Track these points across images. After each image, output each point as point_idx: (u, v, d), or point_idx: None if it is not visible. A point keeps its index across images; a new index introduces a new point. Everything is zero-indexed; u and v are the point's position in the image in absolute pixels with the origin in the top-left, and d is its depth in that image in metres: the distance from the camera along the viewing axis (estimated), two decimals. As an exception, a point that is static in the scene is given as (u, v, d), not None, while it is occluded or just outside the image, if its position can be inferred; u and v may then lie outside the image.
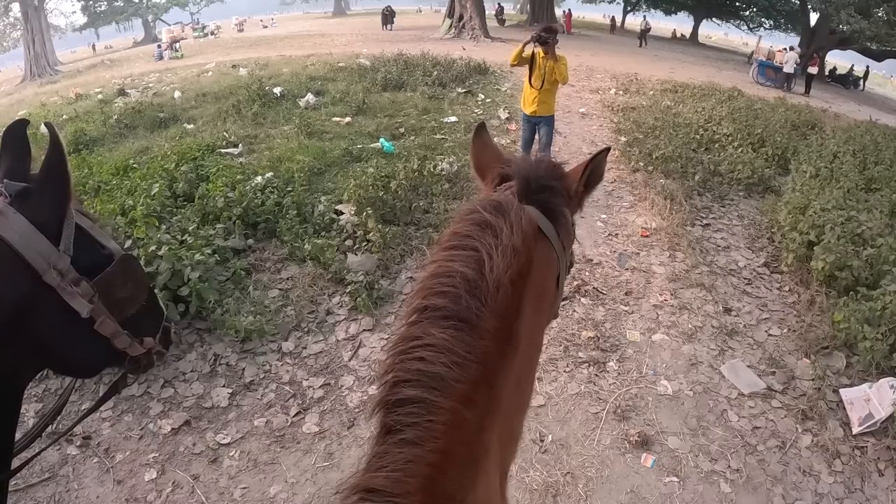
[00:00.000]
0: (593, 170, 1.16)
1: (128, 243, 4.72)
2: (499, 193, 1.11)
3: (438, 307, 0.87)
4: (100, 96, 17.03)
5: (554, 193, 1.10)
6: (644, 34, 34.48)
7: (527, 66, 6.84)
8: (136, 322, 1.31)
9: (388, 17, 37.03)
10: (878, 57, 34.31)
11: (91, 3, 53.18)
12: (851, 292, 5.02)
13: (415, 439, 0.77)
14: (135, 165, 7.51)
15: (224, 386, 4.08)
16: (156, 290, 4.22)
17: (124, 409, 3.86)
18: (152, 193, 5.98)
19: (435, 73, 15.07)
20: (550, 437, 3.74)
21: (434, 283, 0.90)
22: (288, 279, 5.27)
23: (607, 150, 1.18)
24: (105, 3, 54.00)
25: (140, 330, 1.34)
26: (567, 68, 6.74)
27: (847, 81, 32.82)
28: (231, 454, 3.57)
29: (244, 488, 3.35)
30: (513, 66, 7.00)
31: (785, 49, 25.76)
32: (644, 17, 41.34)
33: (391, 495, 0.72)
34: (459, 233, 0.95)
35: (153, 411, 3.85)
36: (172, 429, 3.71)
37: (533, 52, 6.71)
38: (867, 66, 35.25)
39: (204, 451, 3.59)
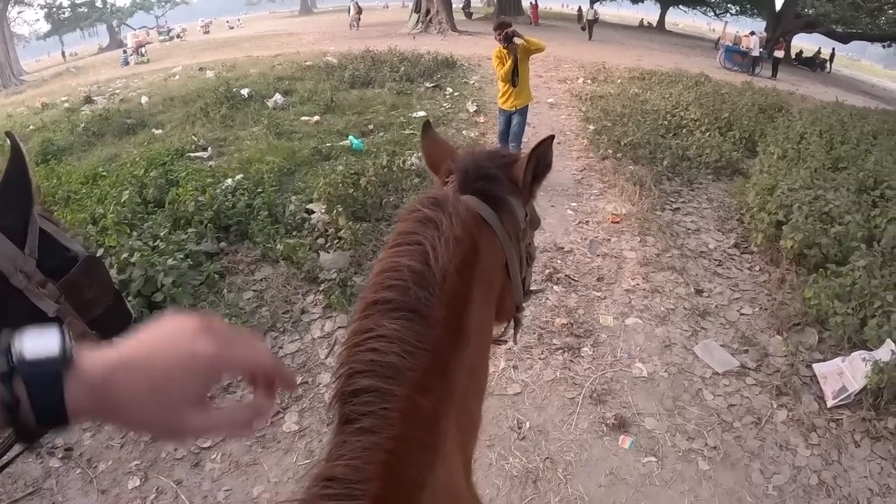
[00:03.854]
0: (539, 159, 1.15)
1: (100, 252, 4.67)
2: (438, 189, 1.13)
3: (388, 300, 0.88)
4: (66, 105, 16.80)
5: (494, 181, 1.10)
6: (591, 25, 31.07)
7: (499, 66, 7.08)
8: (105, 324, 1.34)
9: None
10: (844, 39, 34.87)
11: (55, 10, 52.34)
12: (821, 269, 5.11)
13: (371, 427, 0.78)
14: (104, 173, 7.42)
15: (203, 389, 4.06)
16: (129, 298, 4.20)
17: (105, 419, 3.83)
18: (122, 200, 5.91)
19: (402, 68, 15.09)
20: (528, 423, 3.77)
21: (382, 278, 0.91)
22: (262, 280, 5.25)
23: (551, 137, 1.16)
24: (69, 9, 53.18)
25: (109, 332, 1.35)
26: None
27: (814, 64, 33.22)
28: (212, 457, 3.56)
29: (227, 490, 3.34)
30: (504, 79, 7.14)
31: (750, 33, 26.05)
32: (592, 5, 40.01)
33: (351, 482, 0.73)
34: (403, 231, 0.97)
35: (133, 419, 3.82)
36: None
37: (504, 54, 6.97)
38: (833, 49, 35.69)
39: (186, 456, 3.56)
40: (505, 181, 1.13)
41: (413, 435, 0.80)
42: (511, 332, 1.38)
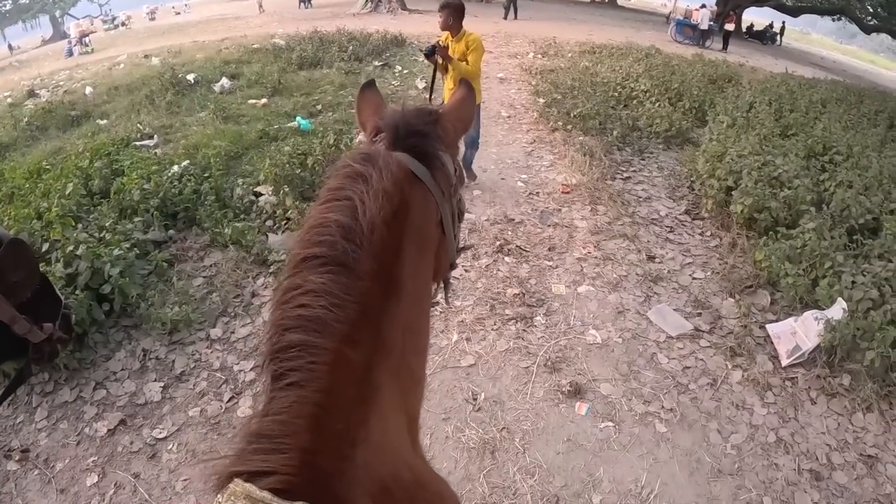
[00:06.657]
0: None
1: (45, 246, 4.55)
2: (369, 145, 1.12)
3: (317, 255, 0.87)
4: (9, 100, 16.28)
5: (425, 138, 1.10)
6: (512, 2, 26.21)
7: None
8: (35, 309, 1.32)
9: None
10: (794, 13, 35.52)
11: (-5, 4, 50.69)
12: (771, 232, 5.20)
13: (299, 381, 0.77)
14: (48, 167, 7.21)
15: (155, 380, 4.00)
16: (77, 291, 4.11)
17: (59, 417, 3.75)
18: (67, 193, 5.76)
19: (351, 48, 14.98)
20: (483, 394, 3.78)
21: (311, 234, 0.91)
22: (211, 266, 5.18)
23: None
24: (10, 1, 51.41)
25: (39, 317, 1.34)
26: (479, 52, 5.60)
27: (764, 37, 33.70)
28: (169, 448, 3.51)
29: (185, 480, 3.30)
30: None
31: (701, 7, 26.33)
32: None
33: (278, 437, 0.73)
34: (333, 187, 0.96)
35: (87, 415, 3.74)
36: (108, 430, 3.62)
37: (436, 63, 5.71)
38: (783, 22, 36.23)
39: (142, 449, 3.51)
40: (435, 137, 1.12)
41: (342, 388, 0.80)
42: (441, 293, 1.38)
